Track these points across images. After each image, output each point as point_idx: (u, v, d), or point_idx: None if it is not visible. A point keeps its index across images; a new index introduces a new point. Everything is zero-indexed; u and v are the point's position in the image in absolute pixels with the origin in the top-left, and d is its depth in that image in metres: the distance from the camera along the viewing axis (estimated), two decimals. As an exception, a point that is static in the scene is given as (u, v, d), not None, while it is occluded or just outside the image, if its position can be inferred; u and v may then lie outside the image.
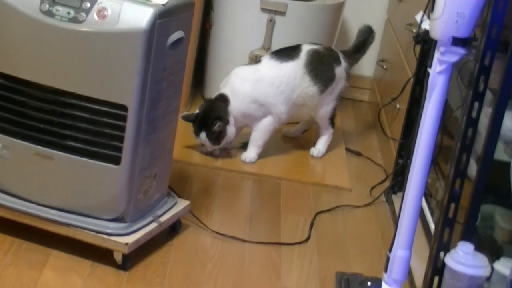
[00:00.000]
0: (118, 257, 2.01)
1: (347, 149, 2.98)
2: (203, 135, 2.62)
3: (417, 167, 1.88)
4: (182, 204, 2.23)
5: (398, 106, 2.74)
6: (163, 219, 2.13)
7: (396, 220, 2.00)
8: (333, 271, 2.14)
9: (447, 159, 2.04)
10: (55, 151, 1.99)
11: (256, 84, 2.67)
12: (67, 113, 1.97)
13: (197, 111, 2.65)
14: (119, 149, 1.96)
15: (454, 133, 1.93)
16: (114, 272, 2.01)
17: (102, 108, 1.94)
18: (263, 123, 2.71)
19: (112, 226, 2.02)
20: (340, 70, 2.80)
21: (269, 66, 2.70)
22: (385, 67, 3.19)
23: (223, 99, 2.66)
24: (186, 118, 2.63)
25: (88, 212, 2.02)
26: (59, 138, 1.99)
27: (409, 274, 2.05)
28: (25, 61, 1.97)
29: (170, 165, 2.19)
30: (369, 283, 2.00)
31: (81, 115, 1.97)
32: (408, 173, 1.92)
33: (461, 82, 2.00)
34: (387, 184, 2.65)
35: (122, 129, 1.95)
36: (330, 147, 2.94)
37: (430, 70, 1.83)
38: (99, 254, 2.02)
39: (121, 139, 1.95)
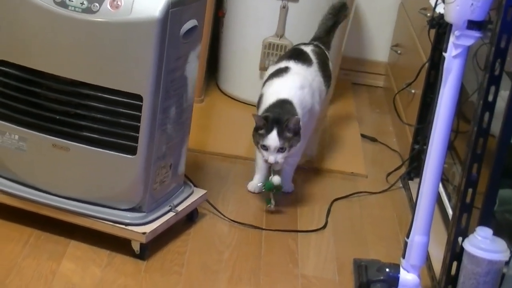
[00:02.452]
0: (136, 247, 2.02)
1: (362, 135, 2.98)
2: (273, 134, 2.23)
3: (434, 152, 1.88)
4: (198, 193, 2.24)
5: (413, 91, 2.73)
6: (179, 208, 2.14)
7: (413, 206, 2.00)
8: (350, 257, 2.14)
9: (463, 144, 2.04)
10: (71, 142, 2.00)
11: (310, 89, 2.41)
12: (82, 104, 1.98)
13: (266, 113, 2.29)
14: (135, 139, 1.97)
15: (471, 118, 1.93)
16: (132, 261, 2.02)
17: (117, 98, 1.95)
18: (303, 137, 2.36)
19: (130, 216, 2.03)
20: (330, 65, 2.62)
21: (304, 71, 2.45)
22: (399, 52, 3.18)
23: (290, 103, 2.32)
24: (259, 118, 2.26)
25: (106, 202, 2.03)
26: (75, 129, 2.00)
27: (427, 259, 2.05)
28: (40, 53, 1.98)
29: (185, 154, 2.19)
30: (387, 269, 2.00)
31: (96, 106, 1.97)
32: (424, 159, 1.91)
33: (477, 66, 1.99)
34: (403, 170, 2.65)
35: (138, 119, 1.95)
36: (345, 134, 2.93)
37: (445, 54, 1.82)
38: (117, 244, 2.03)
39: (136, 129, 1.96)
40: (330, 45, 2.67)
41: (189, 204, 2.18)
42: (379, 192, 2.57)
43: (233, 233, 2.23)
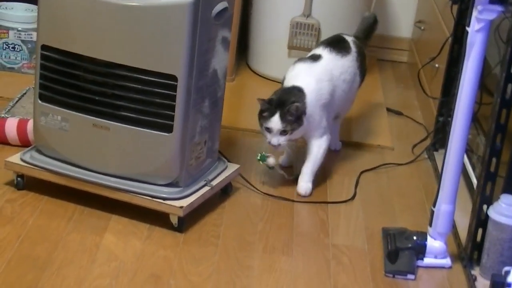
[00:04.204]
0: (174, 220, 2.04)
1: (388, 109, 2.96)
2: (275, 117, 2.21)
3: (459, 124, 1.87)
4: (232, 168, 2.26)
5: (437, 65, 2.71)
6: (214, 182, 2.15)
7: (438, 176, 2.00)
8: (379, 227, 2.15)
9: (486, 116, 2.02)
10: (110, 122, 2.02)
11: (330, 84, 2.32)
12: (120, 85, 2.00)
13: (272, 96, 2.27)
14: (171, 118, 1.98)
15: (494, 90, 1.92)
16: (170, 234, 2.04)
17: (153, 79, 1.96)
18: (322, 142, 2.33)
19: (167, 191, 2.05)
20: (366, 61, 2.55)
21: (333, 62, 2.37)
22: (422, 28, 3.15)
23: (300, 90, 2.26)
24: (263, 100, 2.23)
25: (144, 178, 2.05)
26: (113, 109, 2.02)
27: (453, 227, 2.05)
28: (79, 37, 2.00)
29: (219, 132, 2.21)
30: (414, 237, 2.00)
31: (133, 86, 1.99)
32: (449, 130, 1.91)
33: (499, 39, 1.97)
34: (428, 141, 2.64)
35: (173, 98, 1.96)
36: (371, 108, 2.92)
37: (469, 29, 1.81)
38: (156, 218, 2.06)
39: (172, 108, 1.97)
40: (366, 47, 2.58)
41: (224, 179, 2.20)
42: (406, 164, 2.56)
43: (266, 206, 2.24)
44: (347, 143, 2.67)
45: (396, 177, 2.49)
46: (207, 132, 2.11)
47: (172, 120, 1.98)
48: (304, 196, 2.31)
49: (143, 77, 1.96)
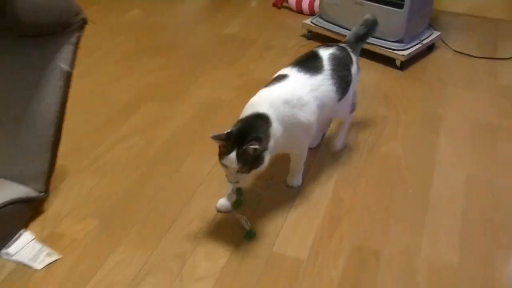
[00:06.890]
0: (398, 63, 3.15)
1: None
2: (232, 155, 1.88)
3: None
4: (436, 33, 3.31)
5: None
6: (424, 42, 3.24)
7: None
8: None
9: None
10: (365, 1, 3.13)
11: (299, 104, 2.06)
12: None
13: (230, 129, 1.94)
14: (403, -1, 3.06)
15: None
16: (396, 71, 3.12)
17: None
18: (301, 144, 2.16)
19: (396, 45, 3.15)
20: (354, 69, 2.29)
21: (301, 82, 2.10)
22: None
23: (264, 118, 1.96)
24: (217, 137, 1.90)
25: (384, 37, 3.15)
26: (368, -8, 3.14)
27: None
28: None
29: (431, 11, 3.24)
30: None
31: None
32: None
33: None
34: None
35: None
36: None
37: None
38: (387, 61, 3.15)
39: (404, -7, 3.05)
40: (359, 51, 2.40)
41: (430, 40, 3.26)
42: None
43: (457, 62, 3.14)
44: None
45: None
46: (424, 10, 3.17)
47: (403, 1, 3.04)
48: (293, 188, 2.23)
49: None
